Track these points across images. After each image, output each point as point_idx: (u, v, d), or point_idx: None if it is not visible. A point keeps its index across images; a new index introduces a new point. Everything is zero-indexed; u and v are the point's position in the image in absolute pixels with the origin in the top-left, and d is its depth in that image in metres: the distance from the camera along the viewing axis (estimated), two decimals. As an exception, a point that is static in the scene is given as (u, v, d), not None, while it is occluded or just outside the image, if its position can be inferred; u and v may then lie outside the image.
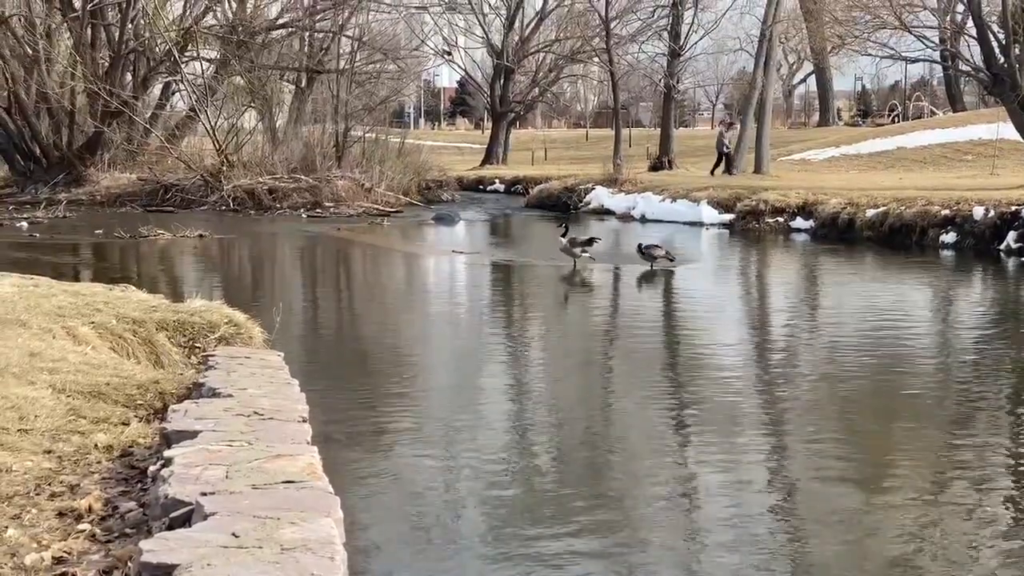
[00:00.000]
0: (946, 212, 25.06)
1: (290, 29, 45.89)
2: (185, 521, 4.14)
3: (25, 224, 30.35)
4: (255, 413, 5.75)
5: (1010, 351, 13.36)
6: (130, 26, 41.71)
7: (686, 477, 8.32)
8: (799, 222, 28.95)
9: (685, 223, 31.35)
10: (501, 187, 48.19)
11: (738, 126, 36.18)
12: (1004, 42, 30.53)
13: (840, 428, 9.65)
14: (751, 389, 11.27)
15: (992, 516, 7.35)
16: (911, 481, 8.10)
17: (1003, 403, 10.75)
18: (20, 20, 40.80)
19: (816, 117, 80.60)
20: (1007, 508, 7.58)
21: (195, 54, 43.88)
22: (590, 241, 21.68)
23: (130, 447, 5.74)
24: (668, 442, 9.37)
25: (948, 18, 35.01)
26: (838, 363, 12.49)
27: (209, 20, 44.33)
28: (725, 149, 35.93)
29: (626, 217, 34.37)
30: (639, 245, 21.46)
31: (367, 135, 41.07)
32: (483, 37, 59.64)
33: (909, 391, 11.09)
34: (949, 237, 24.60)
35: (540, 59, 59.70)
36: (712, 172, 36.25)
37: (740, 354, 13.42)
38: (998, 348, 13.69)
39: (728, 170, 36.53)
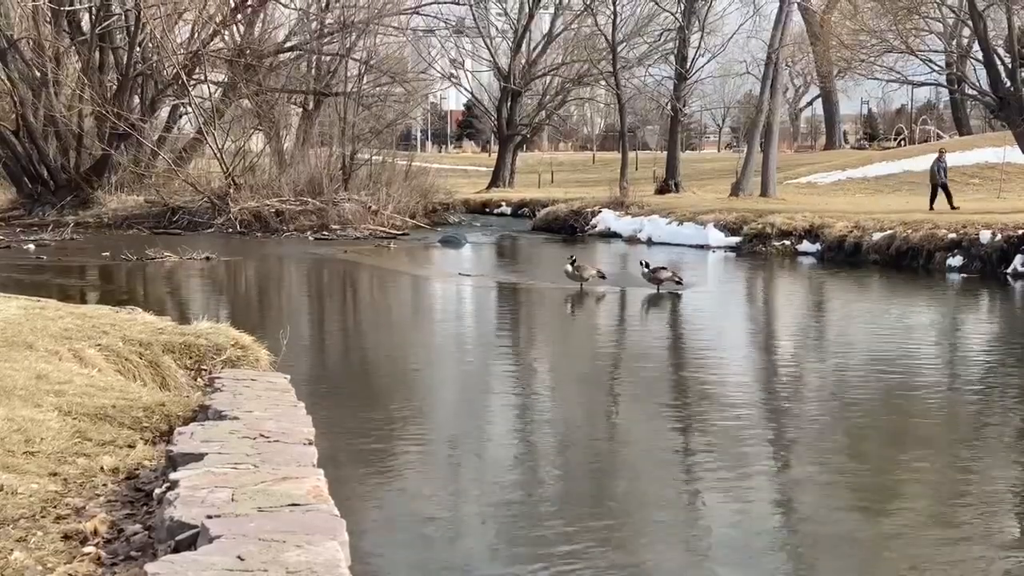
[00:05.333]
0: (953, 235, 25.04)
1: (298, 52, 46.07)
2: (191, 544, 4.13)
3: (32, 246, 30.44)
4: (261, 435, 5.74)
5: (1018, 374, 13.30)
6: (138, 49, 41.89)
7: (694, 504, 8.29)
8: (806, 245, 28.93)
9: (692, 246, 31.34)
10: (508, 210, 48.21)
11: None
12: (1010, 66, 30.60)
13: (848, 453, 9.60)
14: (758, 413, 11.23)
15: (1002, 542, 7.32)
16: (919, 507, 8.06)
17: (1011, 427, 10.70)
18: (29, 43, 40.96)
19: (823, 140, 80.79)
20: (1017, 533, 7.54)
21: (203, 77, 44.05)
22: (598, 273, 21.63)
23: (136, 470, 5.73)
24: (676, 468, 9.33)
25: (954, 42, 35.14)
26: (845, 387, 12.45)
27: (217, 43, 44.49)
28: (941, 179, 32.34)
29: (633, 240, 34.39)
30: (644, 263, 21.42)
31: (374, 158, 41.17)
32: (490, 60, 59.83)
33: (917, 415, 11.04)
34: (956, 260, 24.58)
35: (547, 82, 59.82)
36: (931, 207, 31.99)
37: (747, 378, 13.38)
38: (1006, 372, 13.63)
39: (948, 201, 31.12)
